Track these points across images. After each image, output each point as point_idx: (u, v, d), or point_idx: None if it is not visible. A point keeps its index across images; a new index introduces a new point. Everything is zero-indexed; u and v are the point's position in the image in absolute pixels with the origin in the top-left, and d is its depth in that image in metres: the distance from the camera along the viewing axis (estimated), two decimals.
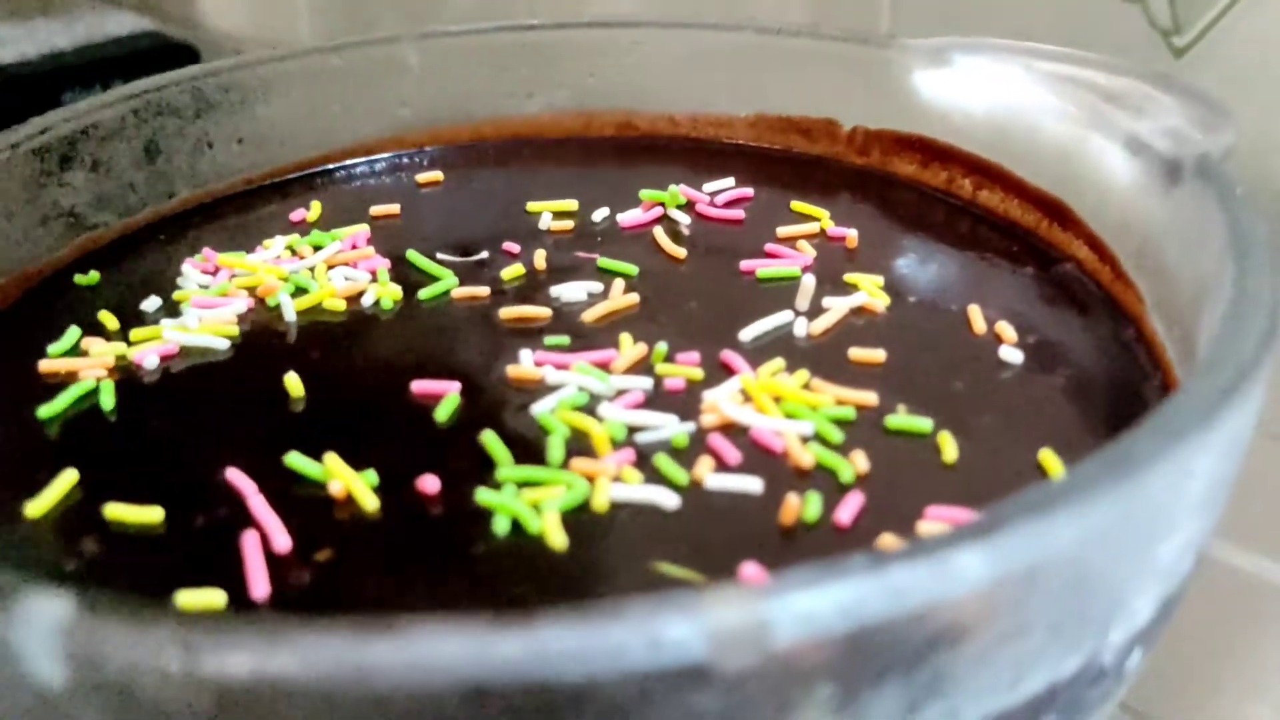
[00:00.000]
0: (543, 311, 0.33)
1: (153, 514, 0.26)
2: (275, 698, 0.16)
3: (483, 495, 0.25)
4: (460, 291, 0.34)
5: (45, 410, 0.30)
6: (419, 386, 0.30)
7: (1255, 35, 0.38)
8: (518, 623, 0.17)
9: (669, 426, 0.28)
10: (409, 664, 0.16)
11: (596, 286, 0.34)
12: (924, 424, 0.27)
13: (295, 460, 0.27)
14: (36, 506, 0.26)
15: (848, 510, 0.25)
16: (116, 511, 0.26)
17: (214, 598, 0.23)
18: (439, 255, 0.36)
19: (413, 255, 0.36)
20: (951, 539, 0.17)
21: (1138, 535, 0.19)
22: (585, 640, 0.17)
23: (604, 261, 0.35)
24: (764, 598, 0.17)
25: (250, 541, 0.25)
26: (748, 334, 0.31)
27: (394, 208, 0.39)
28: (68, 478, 0.27)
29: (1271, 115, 0.38)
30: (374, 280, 0.35)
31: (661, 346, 0.30)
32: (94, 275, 0.36)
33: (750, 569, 0.23)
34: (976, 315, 0.32)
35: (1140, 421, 0.20)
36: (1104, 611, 0.20)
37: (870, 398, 0.28)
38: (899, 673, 0.17)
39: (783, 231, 0.37)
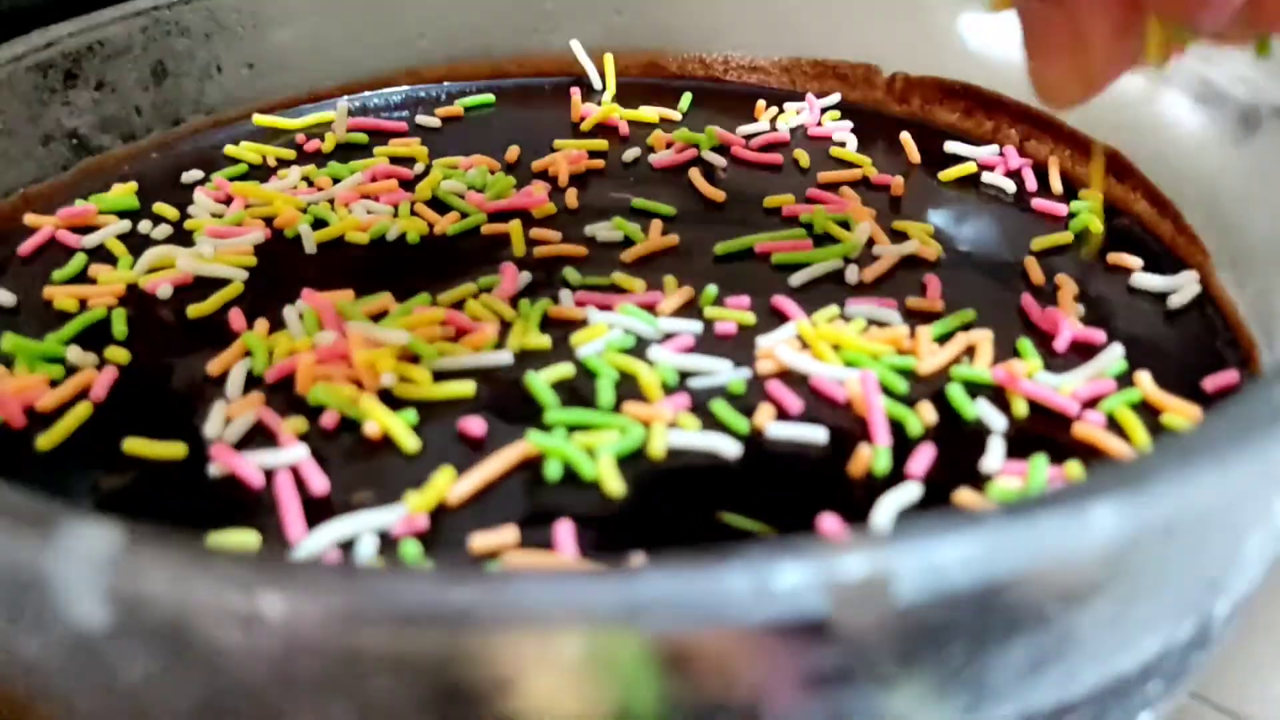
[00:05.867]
0: (577, 249, 0.31)
1: (175, 449, 0.24)
2: (353, 643, 0.15)
3: (534, 438, 0.24)
4: (489, 227, 0.32)
5: (54, 338, 0.28)
6: (453, 317, 0.28)
7: None
8: (616, 570, 0.15)
9: (724, 372, 0.26)
10: (502, 611, 0.15)
11: (632, 225, 0.32)
12: (990, 376, 0.26)
13: (325, 394, 0.25)
14: (48, 438, 0.25)
15: (920, 463, 0.24)
16: (136, 445, 0.24)
17: (246, 539, 0.22)
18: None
19: (439, 189, 0.34)
20: (1089, 490, 0.16)
21: (1266, 490, 0.18)
22: (688, 588, 0.15)
23: (638, 201, 0.34)
24: (889, 548, 0.15)
25: (284, 482, 0.23)
26: (798, 279, 0.30)
27: (414, 141, 0.37)
28: (80, 409, 0.25)
29: None
30: (396, 214, 0.33)
31: (711, 289, 0.29)
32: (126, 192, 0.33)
33: (829, 521, 0.22)
34: (1034, 267, 0.30)
35: (1238, 374, 0.19)
36: (1224, 570, 0.18)
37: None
38: (1027, 632, 0.16)
39: (824, 176, 0.35)
